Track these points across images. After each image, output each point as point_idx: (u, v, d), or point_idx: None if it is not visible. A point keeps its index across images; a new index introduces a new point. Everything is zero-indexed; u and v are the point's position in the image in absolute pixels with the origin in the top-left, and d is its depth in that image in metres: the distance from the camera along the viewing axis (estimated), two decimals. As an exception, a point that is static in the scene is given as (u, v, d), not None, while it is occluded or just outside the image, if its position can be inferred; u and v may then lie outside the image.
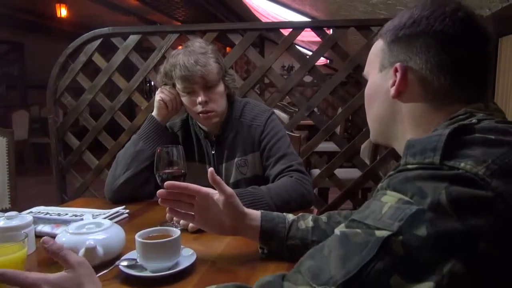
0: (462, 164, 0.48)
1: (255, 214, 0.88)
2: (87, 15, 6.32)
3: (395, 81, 0.66)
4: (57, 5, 5.69)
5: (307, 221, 0.89)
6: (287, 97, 1.97)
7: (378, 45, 0.71)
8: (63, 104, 2.06)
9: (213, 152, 1.36)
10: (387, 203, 0.50)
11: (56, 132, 2.02)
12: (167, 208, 0.90)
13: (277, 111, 1.75)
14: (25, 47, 7.36)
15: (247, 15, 6.35)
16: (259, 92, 5.75)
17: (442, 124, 0.60)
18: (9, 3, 5.72)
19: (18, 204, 1.78)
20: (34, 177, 4.97)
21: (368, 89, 0.74)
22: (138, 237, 0.81)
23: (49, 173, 2.28)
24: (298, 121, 1.98)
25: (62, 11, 5.74)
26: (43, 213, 1.14)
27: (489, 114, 0.60)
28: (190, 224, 1.02)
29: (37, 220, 1.04)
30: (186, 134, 1.41)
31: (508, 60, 1.55)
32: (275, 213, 0.91)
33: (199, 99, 1.25)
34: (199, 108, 1.27)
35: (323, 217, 0.91)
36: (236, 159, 1.34)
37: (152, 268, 0.80)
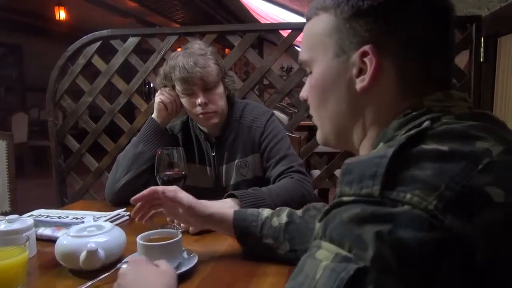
0: (408, 196, 0.37)
1: (227, 214, 0.88)
2: (85, 18, 6.31)
3: (361, 69, 0.51)
4: (56, 8, 5.69)
5: (281, 217, 0.87)
6: (287, 98, 1.98)
7: (326, 22, 0.54)
8: (62, 106, 2.06)
9: (213, 154, 1.36)
10: (322, 262, 0.38)
11: (56, 135, 2.02)
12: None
13: (276, 112, 1.75)
14: (23, 49, 7.36)
15: (245, 16, 6.36)
16: (258, 93, 5.75)
17: (393, 123, 0.49)
18: (7, 6, 5.72)
19: (18, 207, 1.78)
20: (34, 180, 4.96)
21: (318, 81, 0.57)
22: (139, 239, 0.81)
23: (48, 176, 2.27)
24: (298, 122, 1.98)
25: (61, 14, 5.75)
26: (43, 216, 1.14)
27: (451, 106, 0.48)
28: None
29: (38, 223, 1.04)
30: (186, 136, 1.41)
31: (507, 59, 1.55)
32: (249, 210, 0.90)
33: (199, 100, 1.25)
34: (198, 109, 1.27)
35: (299, 212, 0.90)
36: (236, 161, 1.34)
37: None
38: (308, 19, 0.58)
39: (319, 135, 0.62)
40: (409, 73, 0.51)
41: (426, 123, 0.45)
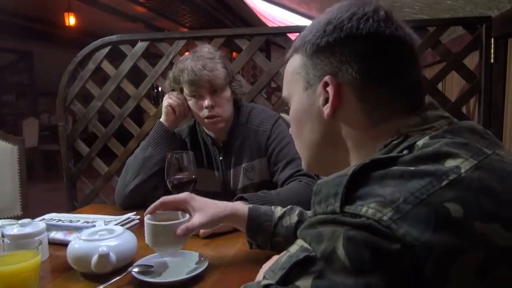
0: (364, 209, 0.40)
1: (241, 210, 0.90)
2: (95, 23, 6.39)
3: (327, 98, 0.57)
4: (66, 14, 5.76)
5: (293, 216, 0.90)
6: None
7: (297, 61, 0.61)
8: (72, 111, 2.08)
9: (220, 158, 1.37)
10: (289, 252, 0.45)
11: (66, 139, 2.04)
12: None
13: (284, 115, 1.75)
14: (34, 55, 7.48)
15: (252, 20, 6.38)
16: (266, 97, 5.75)
17: (377, 153, 0.52)
18: (17, 12, 5.81)
19: (29, 211, 1.80)
20: (44, 184, 5.02)
21: (294, 114, 0.63)
22: (147, 219, 0.85)
23: (58, 180, 2.29)
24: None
25: (71, 20, 5.81)
26: (55, 220, 1.15)
27: (429, 128, 0.51)
28: (202, 230, 1.02)
29: (49, 227, 1.05)
30: (194, 140, 1.41)
31: (518, 60, 1.53)
32: (262, 209, 0.91)
33: (206, 103, 1.26)
34: (205, 112, 1.28)
35: (309, 212, 0.88)
36: (243, 165, 1.34)
37: (158, 250, 0.85)
38: (287, 61, 0.65)
39: (302, 164, 0.68)
40: (370, 97, 0.55)
41: (405, 152, 0.48)
